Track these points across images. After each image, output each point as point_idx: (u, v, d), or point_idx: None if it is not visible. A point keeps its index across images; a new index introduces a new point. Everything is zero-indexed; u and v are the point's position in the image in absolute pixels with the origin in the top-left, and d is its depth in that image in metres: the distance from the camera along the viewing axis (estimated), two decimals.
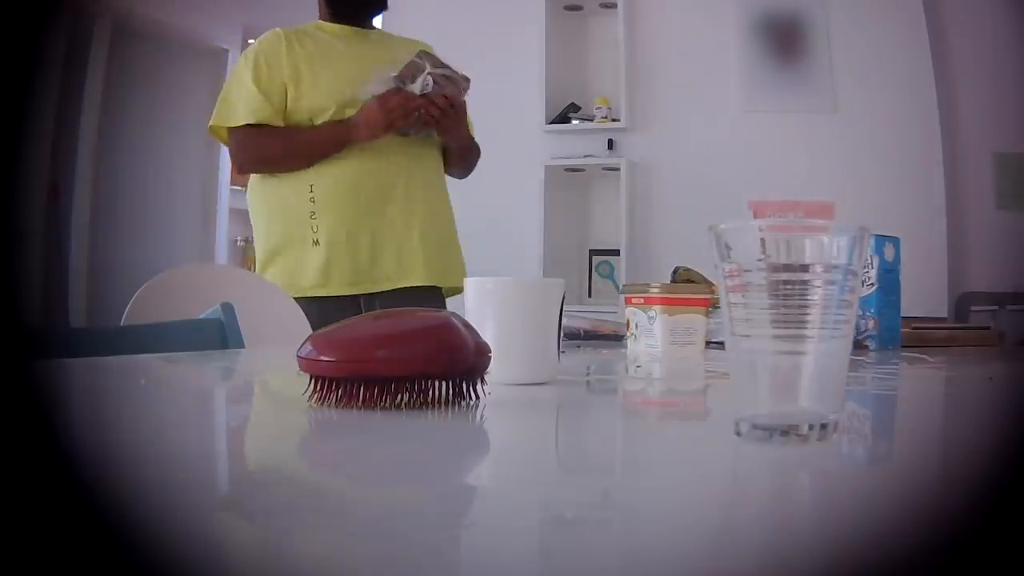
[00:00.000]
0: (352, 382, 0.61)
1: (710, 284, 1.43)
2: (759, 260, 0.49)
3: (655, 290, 1.30)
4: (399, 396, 0.62)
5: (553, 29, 3.62)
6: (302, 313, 1.70)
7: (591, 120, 3.61)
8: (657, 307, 1.27)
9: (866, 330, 1.43)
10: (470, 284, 0.83)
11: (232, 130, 1.91)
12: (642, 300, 1.30)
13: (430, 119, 1.88)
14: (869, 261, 1.44)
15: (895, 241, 1.49)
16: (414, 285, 1.91)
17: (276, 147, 1.91)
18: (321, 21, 2.01)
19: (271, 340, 1.49)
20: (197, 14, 4.81)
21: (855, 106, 3.34)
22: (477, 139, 2.10)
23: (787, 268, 0.49)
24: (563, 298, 0.84)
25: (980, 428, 0.69)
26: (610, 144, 3.58)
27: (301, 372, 0.64)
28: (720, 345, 1.06)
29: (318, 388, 0.62)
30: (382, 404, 0.61)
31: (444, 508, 0.38)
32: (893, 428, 0.71)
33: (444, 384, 0.64)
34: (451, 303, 1.93)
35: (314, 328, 0.70)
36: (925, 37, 3.27)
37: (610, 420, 0.76)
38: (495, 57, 3.45)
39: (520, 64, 3.57)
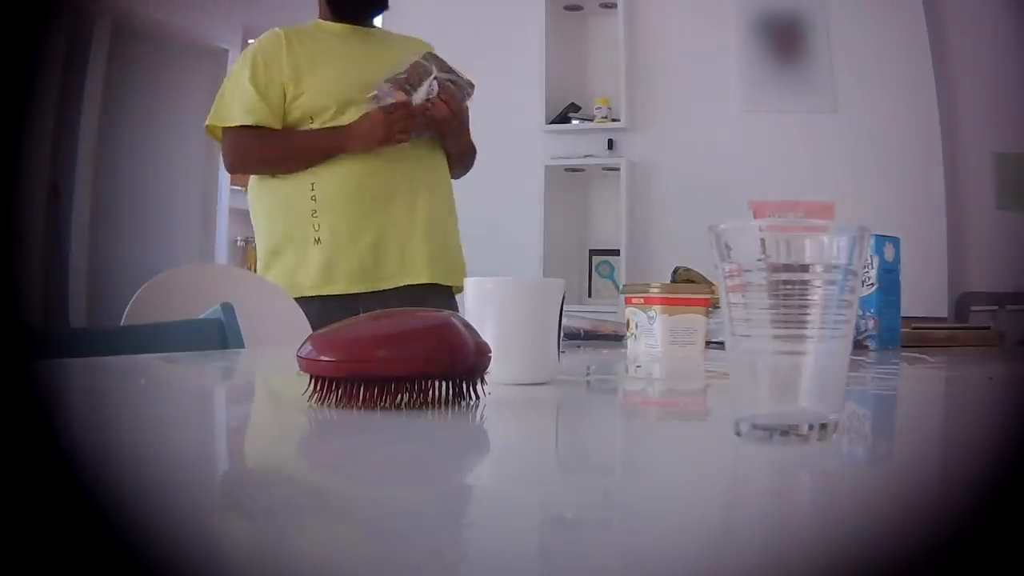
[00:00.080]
0: (352, 382, 0.61)
1: (710, 284, 1.43)
2: (759, 260, 0.49)
3: (655, 290, 1.30)
4: (399, 396, 0.62)
5: (553, 29, 3.62)
6: (302, 313, 1.70)
7: (591, 120, 3.62)
8: (657, 307, 1.27)
9: (866, 330, 1.43)
10: (470, 284, 0.83)
11: (226, 130, 1.90)
12: (642, 300, 1.30)
13: (432, 124, 1.88)
14: (869, 261, 1.44)
15: (895, 241, 1.49)
16: (418, 283, 1.90)
17: (268, 150, 1.90)
18: (321, 20, 2.01)
19: (271, 340, 1.49)
20: (197, 14, 4.81)
21: (855, 106, 3.33)
22: (476, 139, 2.10)
23: (787, 268, 0.49)
24: (563, 298, 0.84)
25: (980, 428, 0.69)
26: (610, 144, 3.58)
27: (301, 372, 0.64)
28: (720, 345, 1.06)
29: (318, 388, 0.62)
30: (382, 404, 0.61)
31: (444, 508, 0.38)
32: (893, 428, 0.71)
33: (444, 384, 0.64)
34: None
35: (315, 328, 0.70)
36: (925, 37, 3.27)
37: (610, 420, 0.76)
38: (495, 57, 3.45)
39: (520, 64, 3.57)
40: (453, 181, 2.09)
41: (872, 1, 3.34)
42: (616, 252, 3.56)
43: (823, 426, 0.49)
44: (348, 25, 1.98)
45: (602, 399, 0.89)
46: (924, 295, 2.92)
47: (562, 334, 0.85)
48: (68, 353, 1.02)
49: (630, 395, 0.94)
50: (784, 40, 3.43)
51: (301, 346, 0.64)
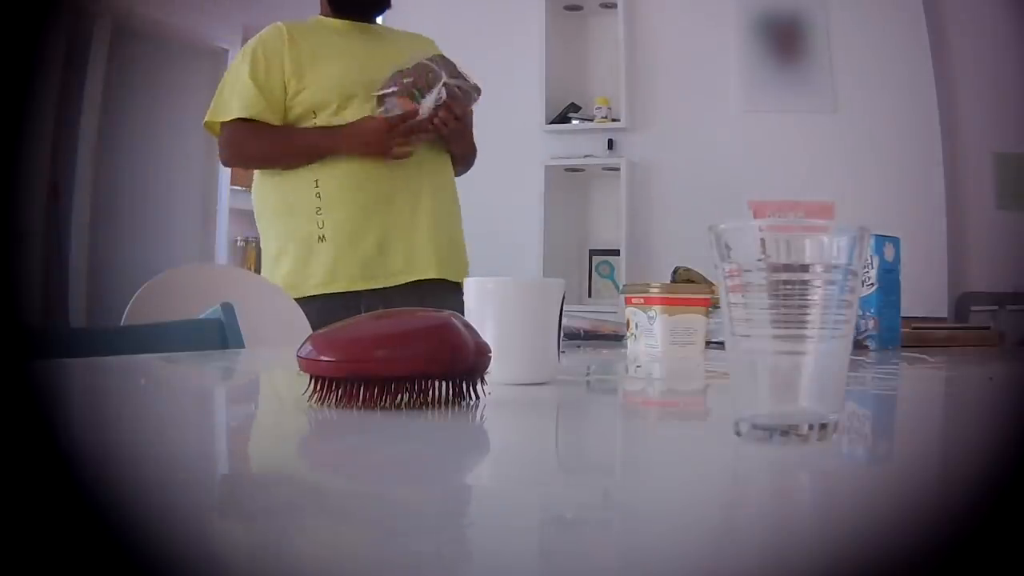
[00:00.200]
0: (352, 382, 0.61)
1: (710, 284, 1.43)
2: (759, 260, 0.49)
3: (655, 290, 1.30)
4: (399, 396, 0.62)
5: (553, 29, 3.62)
6: (302, 313, 1.70)
7: (591, 120, 3.62)
8: (657, 307, 1.27)
9: (866, 330, 1.43)
10: (470, 284, 0.83)
11: (224, 123, 1.89)
12: (642, 300, 1.30)
13: (435, 129, 1.88)
14: (869, 261, 1.44)
15: (895, 241, 1.49)
16: (424, 279, 1.90)
17: (266, 146, 1.89)
18: (322, 17, 2.00)
19: (271, 340, 1.49)
20: (197, 14, 4.81)
21: (855, 106, 3.33)
22: (477, 139, 2.10)
23: (787, 268, 0.49)
24: (563, 298, 0.84)
25: (980, 428, 0.69)
26: (610, 144, 3.58)
27: (301, 372, 0.64)
28: (720, 345, 1.06)
29: (318, 388, 0.62)
30: (382, 404, 0.61)
31: (444, 508, 0.38)
32: (893, 428, 0.71)
33: (444, 384, 0.64)
34: None
35: (318, 327, 0.70)
36: (925, 37, 3.27)
37: (610, 420, 0.76)
38: (495, 57, 3.44)
39: (520, 64, 3.57)
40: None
41: (872, 1, 3.34)
42: (616, 252, 3.56)
43: (823, 426, 0.49)
44: (350, 21, 1.97)
45: (602, 399, 0.89)
46: (924, 295, 2.92)
47: (562, 334, 0.85)
48: (68, 353, 1.02)
49: (630, 395, 0.94)
50: (784, 40, 3.43)
51: (301, 346, 0.64)
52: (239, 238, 5.33)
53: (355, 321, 0.69)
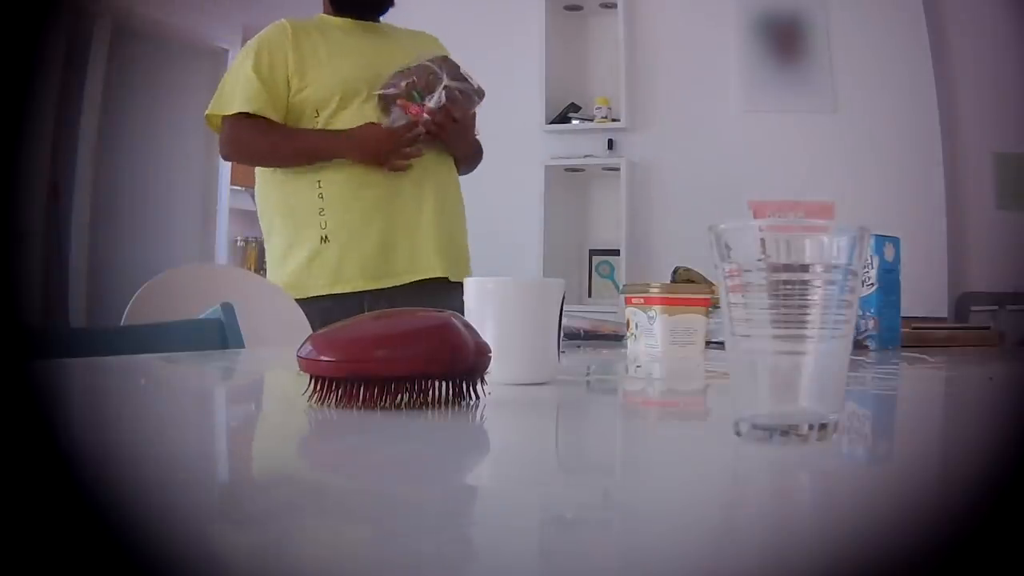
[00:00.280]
0: (352, 382, 0.61)
1: (710, 284, 1.43)
2: (759, 260, 0.49)
3: (655, 290, 1.30)
4: (399, 396, 0.62)
5: (553, 29, 3.62)
6: (302, 313, 1.69)
7: (591, 120, 3.61)
8: (657, 307, 1.27)
9: (866, 330, 1.43)
10: (470, 284, 0.83)
11: (226, 117, 1.88)
12: (642, 300, 1.30)
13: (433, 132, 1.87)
14: (869, 261, 1.44)
15: (895, 241, 1.49)
16: (428, 278, 1.89)
17: (268, 144, 1.89)
18: (325, 15, 2.00)
19: (271, 340, 1.49)
20: (197, 14, 4.81)
21: (855, 106, 3.33)
22: (478, 138, 2.10)
23: (787, 268, 0.49)
24: (563, 298, 0.84)
25: (980, 428, 0.69)
26: (610, 144, 3.58)
27: (301, 372, 0.64)
28: (720, 345, 1.06)
29: (318, 388, 0.62)
30: (382, 404, 0.61)
31: (444, 508, 0.38)
32: (893, 428, 0.71)
33: (444, 384, 0.64)
34: None
35: (322, 327, 0.70)
36: (925, 37, 3.27)
37: (610, 420, 0.76)
38: (495, 57, 3.44)
39: (520, 64, 3.57)
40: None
41: (872, 1, 3.34)
42: (616, 252, 3.56)
43: (823, 426, 0.49)
44: (353, 20, 1.97)
45: (602, 399, 0.89)
46: (924, 295, 2.92)
47: (562, 334, 0.85)
48: (68, 353, 1.02)
49: (630, 395, 0.94)
50: (784, 40, 3.43)
51: (301, 346, 0.64)
52: (239, 238, 5.33)
53: (355, 321, 0.69)
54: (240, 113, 1.85)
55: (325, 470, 0.48)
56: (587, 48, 3.78)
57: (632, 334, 1.32)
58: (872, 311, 1.43)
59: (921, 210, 3.22)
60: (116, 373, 0.94)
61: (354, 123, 1.86)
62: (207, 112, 1.93)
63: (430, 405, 0.63)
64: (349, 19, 1.97)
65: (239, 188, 5.10)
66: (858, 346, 1.41)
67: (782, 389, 0.50)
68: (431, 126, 1.85)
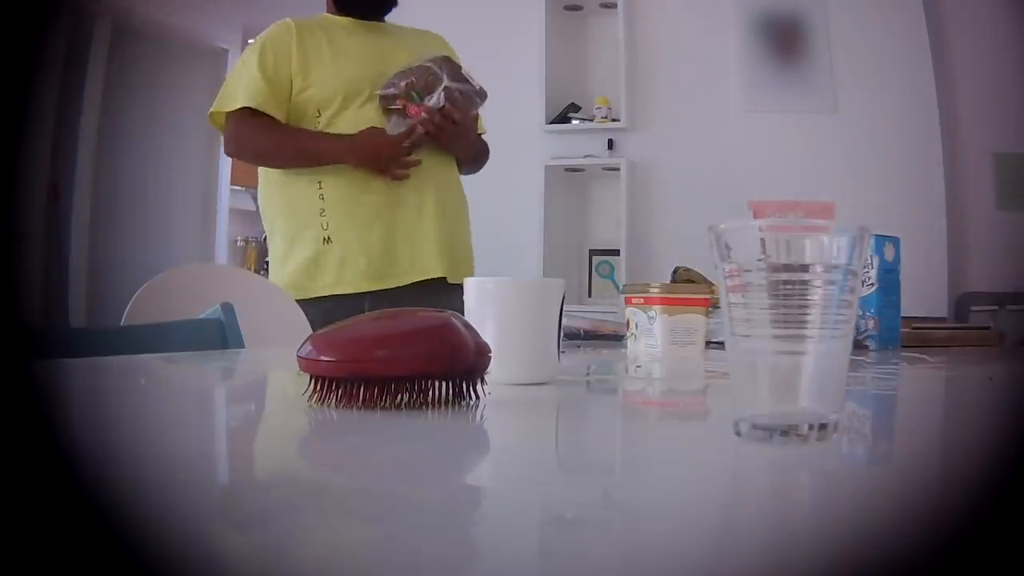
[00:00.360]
0: (352, 382, 0.61)
1: (710, 284, 1.43)
2: (759, 260, 0.49)
3: (655, 290, 1.30)
4: (399, 396, 0.62)
5: (553, 29, 3.62)
6: (302, 313, 1.69)
7: (591, 120, 3.61)
8: (657, 307, 1.27)
9: (866, 330, 1.43)
10: (470, 284, 0.83)
11: (229, 114, 1.88)
12: (642, 300, 1.30)
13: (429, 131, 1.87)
14: (869, 261, 1.44)
15: (895, 241, 1.49)
16: (430, 278, 1.89)
17: (269, 143, 1.88)
18: (329, 15, 2.00)
19: (271, 340, 1.49)
20: (197, 14, 4.81)
21: (855, 106, 3.33)
22: (484, 139, 2.10)
23: (787, 268, 0.49)
24: (563, 298, 0.84)
25: (980, 428, 0.69)
26: (610, 144, 3.58)
27: (301, 372, 0.64)
28: (720, 345, 1.06)
29: (318, 388, 0.62)
30: (382, 404, 0.61)
31: (444, 508, 0.38)
32: (893, 428, 0.71)
33: (444, 384, 0.64)
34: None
35: (320, 328, 0.70)
36: (925, 37, 3.27)
37: (610, 420, 0.76)
38: (495, 57, 3.44)
39: (520, 64, 3.57)
40: None
41: (872, 1, 3.34)
42: (616, 252, 3.56)
43: (823, 426, 0.49)
44: (357, 20, 1.97)
45: (602, 399, 0.89)
46: (924, 295, 2.92)
47: (562, 334, 0.85)
48: (68, 353, 1.02)
49: (630, 395, 0.94)
50: (784, 40, 3.43)
51: (301, 346, 0.64)
52: (239, 238, 5.33)
53: (355, 321, 0.69)
54: (244, 109, 1.85)
55: (325, 470, 0.48)
56: (587, 48, 3.78)
57: (632, 334, 1.32)
58: (872, 311, 1.43)
59: (921, 210, 3.22)
60: (116, 373, 0.94)
61: (356, 123, 1.85)
62: (211, 110, 1.92)
63: (430, 405, 0.63)
64: (353, 19, 1.96)
65: (239, 188, 5.11)
66: (858, 346, 1.41)
67: (782, 389, 0.50)
68: (429, 126, 1.85)
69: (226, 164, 5.05)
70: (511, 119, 3.41)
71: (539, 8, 3.58)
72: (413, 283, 1.87)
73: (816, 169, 3.28)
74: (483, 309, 0.81)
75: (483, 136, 2.13)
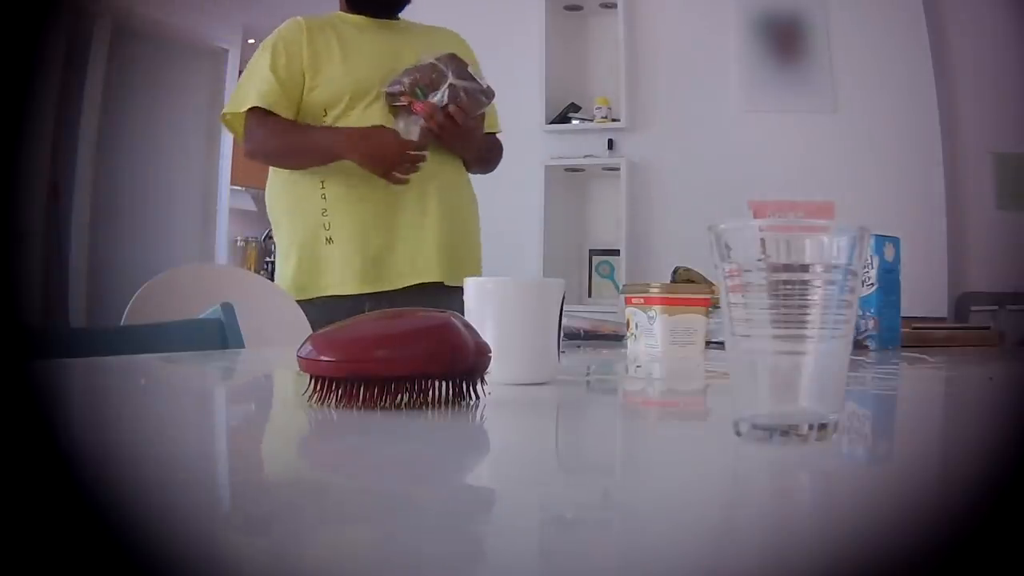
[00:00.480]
0: (352, 382, 0.61)
1: (710, 284, 1.43)
2: (759, 260, 0.49)
3: (655, 290, 1.30)
4: (399, 396, 0.62)
5: (553, 29, 3.62)
6: (302, 313, 1.69)
7: (591, 120, 3.61)
8: (657, 307, 1.27)
9: (866, 330, 1.43)
10: (470, 284, 0.83)
11: (245, 116, 1.87)
12: (642, 300, 1.30)
13: (432, 134, 1.86)
14: (869, 261, 1.44)
15: (895, 241, 1.49)
16: (429, 282, 1.88)
17: (282, 143, 1.87)
18: (341, 12, 1.99)
19: (271, 340, 1.49)
20: (197, 14, 4.81)
21: (855, 106, 3.33)
22: (499, 136, 2.09)
23: (787, 268, 0.49)
24: (563, 298, 0.84)
25: (980, 428, 0.69)
26: (610, 144, 3.58)
27: (301, 372, 0.64)
28: (720, 345, 1.06)
29: (318, 388, 0.62)
30: (382, 404, 0.61)
31: (444, 508, 0.38)
32: (893, 428, 0.71)
33: (444, 384, 0.64)
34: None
35: (321, 328, 0.70)
36: (925, 37, 3.27)
37: (610, 420, 0.76)
38: (495, 57, 3.43)
39: (520, 64, 3.57)
40: None
41: (872, 1, 3.34)
42: (616, 252, 3.56)
43: (823, 426, 0.49)
44: (368, 17, 1.96)
45: (602, 399, 0.89)
46: (924, 295, 2.92)
47: (562, 334, 0.85)
48: (68, 353, 1.02)
49: (630, 395, 0.94)
50: (784, 40, 3.43)
51: (301, 346, 0.64)
52: (239, 238, 5.34)
53: (355, 321, 0.69)
54: (256, 110, 1.84)
55: (325, 470, 0.48)
56: (587, 48, 3.78)
57: (632, 334, 1.32)
58: (872, 311, 1.43)
59: (921, 210, 3.22)
60: (116, 373, 0.94)
61: (362, 123, 1.84)
62: (224, 111, 1.92)
63: (430, 405, 0.63)
64: (366, 16, 1.95)
65: (239, 188, 5.11)
66: (858, 346, 1.41)
67: (782, 389, 0.50)
68: (431, 122, 1.84)
69: (226, 164, 5.05)
70: (511, 119, 3.39)
71: (539, 8, 3.58)
72: (412, 286, 1.87)
73: (816, 169, 3.28)
74: (483, 309, 0.81)
75: (497, 134, 2.12)
